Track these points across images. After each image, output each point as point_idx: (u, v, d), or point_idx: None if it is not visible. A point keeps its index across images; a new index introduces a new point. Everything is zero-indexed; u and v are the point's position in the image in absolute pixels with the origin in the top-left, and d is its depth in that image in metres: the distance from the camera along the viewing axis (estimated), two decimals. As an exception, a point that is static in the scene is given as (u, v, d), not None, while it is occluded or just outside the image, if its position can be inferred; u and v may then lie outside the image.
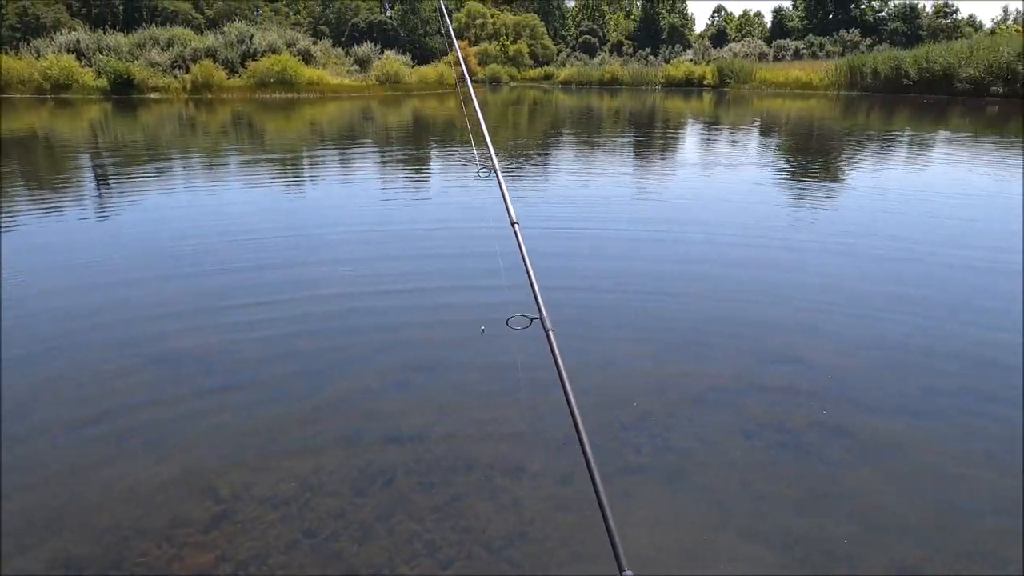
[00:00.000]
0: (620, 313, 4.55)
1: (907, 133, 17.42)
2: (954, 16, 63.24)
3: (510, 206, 1.96)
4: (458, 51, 2.87)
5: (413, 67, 48.41)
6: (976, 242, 6.42)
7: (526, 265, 1.76)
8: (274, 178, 10.31)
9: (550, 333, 1.59)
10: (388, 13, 76.53)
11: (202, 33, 36.64)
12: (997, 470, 2.79)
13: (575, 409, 1.41)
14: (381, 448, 2.91)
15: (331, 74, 37.59)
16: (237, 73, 32.34)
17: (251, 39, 34.25)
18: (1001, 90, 29.49)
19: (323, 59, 39.96)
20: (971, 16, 65.64)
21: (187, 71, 31.24)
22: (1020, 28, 55.24)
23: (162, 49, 32.44)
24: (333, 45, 47.46)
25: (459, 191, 9.15)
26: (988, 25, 64.19)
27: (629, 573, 1.18)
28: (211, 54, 32.47)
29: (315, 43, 41.68)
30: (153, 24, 39.19)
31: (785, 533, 2.40)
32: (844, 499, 2.60)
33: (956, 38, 47.23)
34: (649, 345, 4.03)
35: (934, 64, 33.81)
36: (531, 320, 1.66)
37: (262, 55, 33.21)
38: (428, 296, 4.86)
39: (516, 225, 1.93)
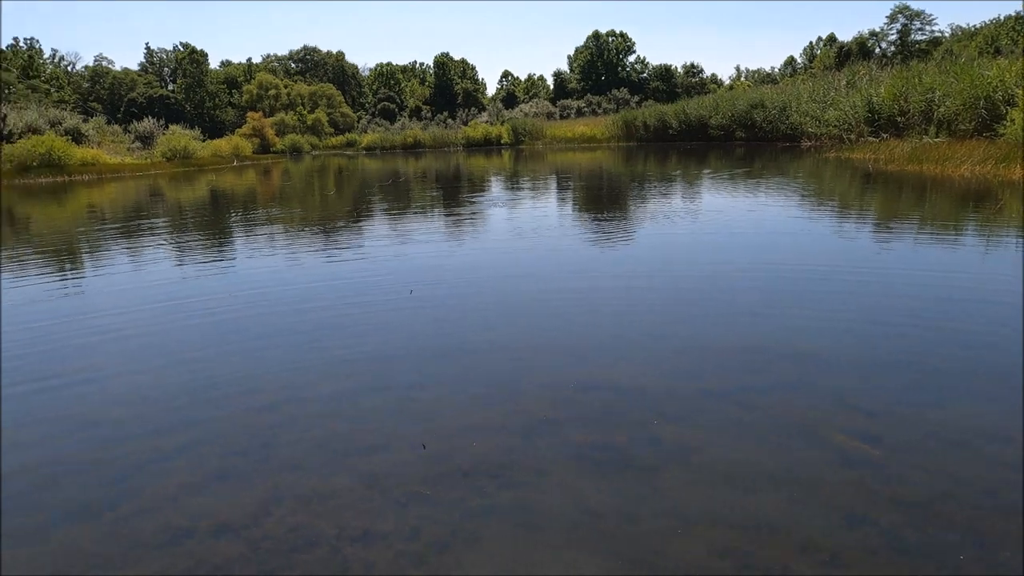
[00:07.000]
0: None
1: (681, 173, 19.88)
2: (700, 75, 74.17)
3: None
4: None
5: (204, 141, 46.05)
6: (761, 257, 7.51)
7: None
8: (44, 270, 9.13)
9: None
10: (171, 87, 72.32)
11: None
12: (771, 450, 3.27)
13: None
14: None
15: (108, 153, 34.55)
16: (-14, 159, 28.57)
17: (3, 119, 30.49)
18: (743, 135, 34.94)
19: (97, 137, 36.69)
20: (713, 74, 77.26)
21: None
22: (750, 84, 66.17)
23: None
24: (108, 122, 43.80)
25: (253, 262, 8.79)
26: (727, 81, 76.13)
27: None
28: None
29: (85, 121, 38.15)
30: None
31: (615, 540, 2.61)
32: (658, 497, 2.88)
33: (705, 93, 55.26)
34: (458, 387, 4.16)
35: (690, 115, 39.33)
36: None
37: (19, 137, 29.65)
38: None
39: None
